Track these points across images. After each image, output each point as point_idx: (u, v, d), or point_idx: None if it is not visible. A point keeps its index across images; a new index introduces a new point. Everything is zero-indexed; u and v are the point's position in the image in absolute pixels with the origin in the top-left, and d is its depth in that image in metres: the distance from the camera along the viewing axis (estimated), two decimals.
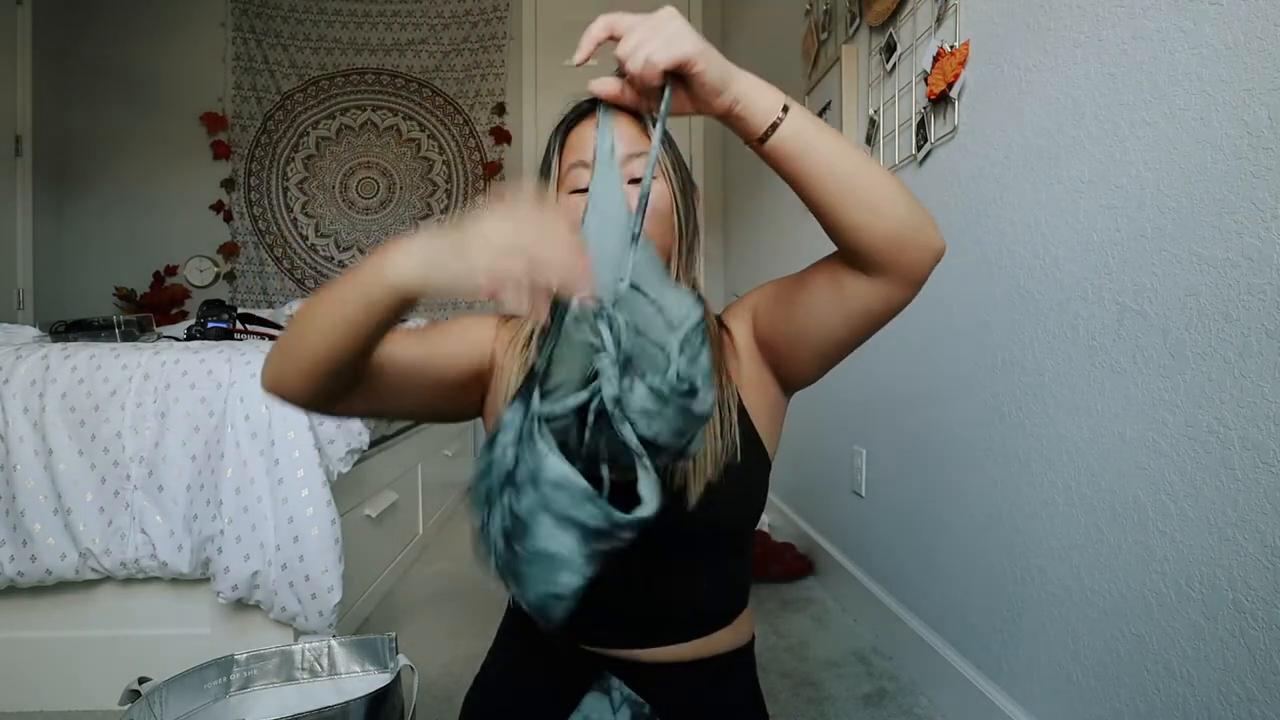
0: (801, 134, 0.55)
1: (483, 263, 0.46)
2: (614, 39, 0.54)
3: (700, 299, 0.52)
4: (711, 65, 0.53)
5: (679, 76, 0.54)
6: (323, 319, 0.56)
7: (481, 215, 0.48)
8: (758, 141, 0.57)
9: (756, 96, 0.55)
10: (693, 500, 0.64)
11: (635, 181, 0.67)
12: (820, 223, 0.59)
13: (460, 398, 0.72)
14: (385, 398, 0.66)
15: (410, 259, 0.51)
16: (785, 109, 0.55)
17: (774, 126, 0.55)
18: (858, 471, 1.73)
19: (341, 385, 0.61)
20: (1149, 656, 0.85)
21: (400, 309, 0.54)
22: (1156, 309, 0.84)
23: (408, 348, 0.67)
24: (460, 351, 0.70)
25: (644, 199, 0.55)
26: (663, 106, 0.54)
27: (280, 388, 0.61)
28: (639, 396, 0.47)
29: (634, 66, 0.52)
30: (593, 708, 0.68)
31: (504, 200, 0.49)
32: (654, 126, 0.56)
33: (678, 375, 0.48)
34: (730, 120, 0.56)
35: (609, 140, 0.60)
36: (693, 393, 0.48)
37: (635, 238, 0.54)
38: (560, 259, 0.46)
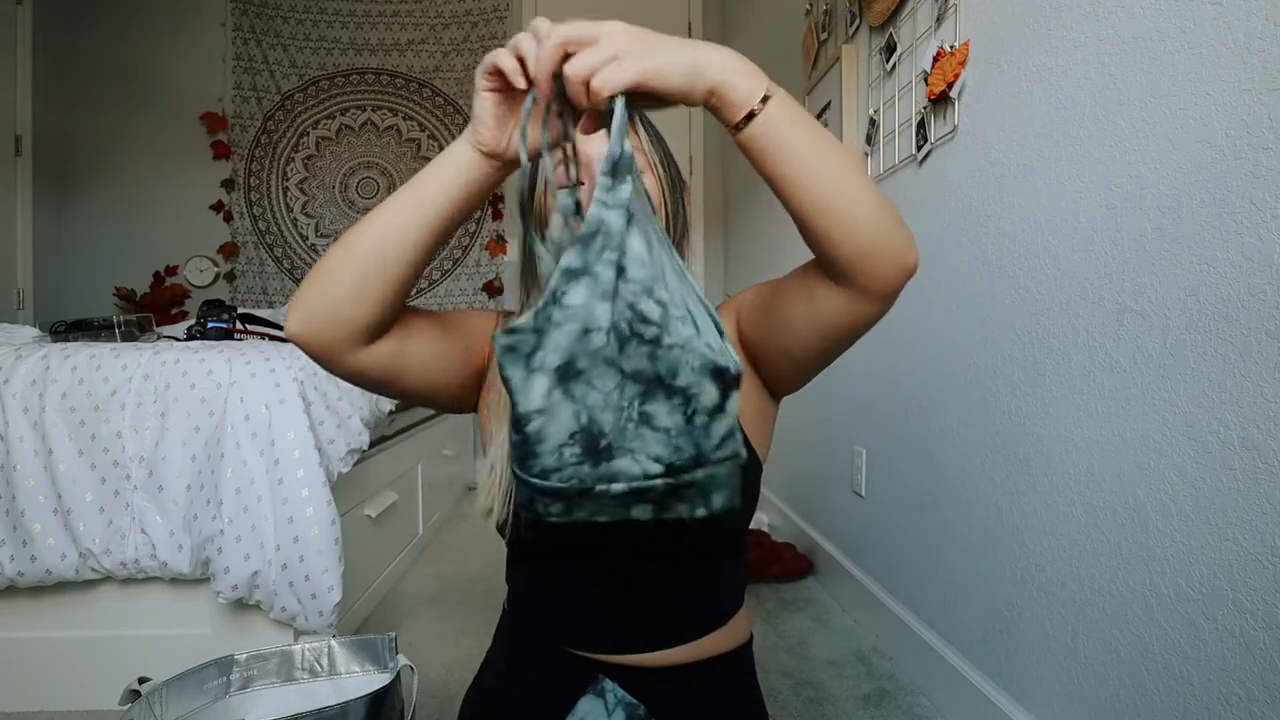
0: (778, 128, 0.50)
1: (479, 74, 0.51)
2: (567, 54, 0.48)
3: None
4: (669, 73, 0.47)
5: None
6: (401, 209, 0.56)
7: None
8: (733, 130, 0.51)
9: (733, 84, 0.49)
10: None
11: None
12: (796, 225, 0.56)
13: (463, 374, 0.70)
14: (410, 352, 0.63)
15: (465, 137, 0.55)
16: (765, 99, 0.50)
17: (749, 118, 0.50)
18: (858, 471, 1.73)
19: (387, 312, 0.59)
20: (1149, 656, 0.85)
21: (476, 165, 0.55)
22: (1156, 309, 0.84)
23: (427, 314, 0.67)
24: (470, 329, 0.70)
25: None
26: (616, 123, 0.46)
27: (313, 318, 0.57)
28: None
29: (581, 96, 0.47)
30: (588, 710, 0.68)
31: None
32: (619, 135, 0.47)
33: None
34: (710, 109, 0.51)
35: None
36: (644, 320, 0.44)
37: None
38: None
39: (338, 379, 1.49)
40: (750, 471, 0.70)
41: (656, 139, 0.72)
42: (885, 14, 1.53)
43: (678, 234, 0.71)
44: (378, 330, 0.59)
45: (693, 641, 0.70)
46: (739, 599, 0.76)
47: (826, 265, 0.56)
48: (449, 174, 0.55)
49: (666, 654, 0.69)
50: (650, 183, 0.69)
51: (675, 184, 0.72)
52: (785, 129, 0.51)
